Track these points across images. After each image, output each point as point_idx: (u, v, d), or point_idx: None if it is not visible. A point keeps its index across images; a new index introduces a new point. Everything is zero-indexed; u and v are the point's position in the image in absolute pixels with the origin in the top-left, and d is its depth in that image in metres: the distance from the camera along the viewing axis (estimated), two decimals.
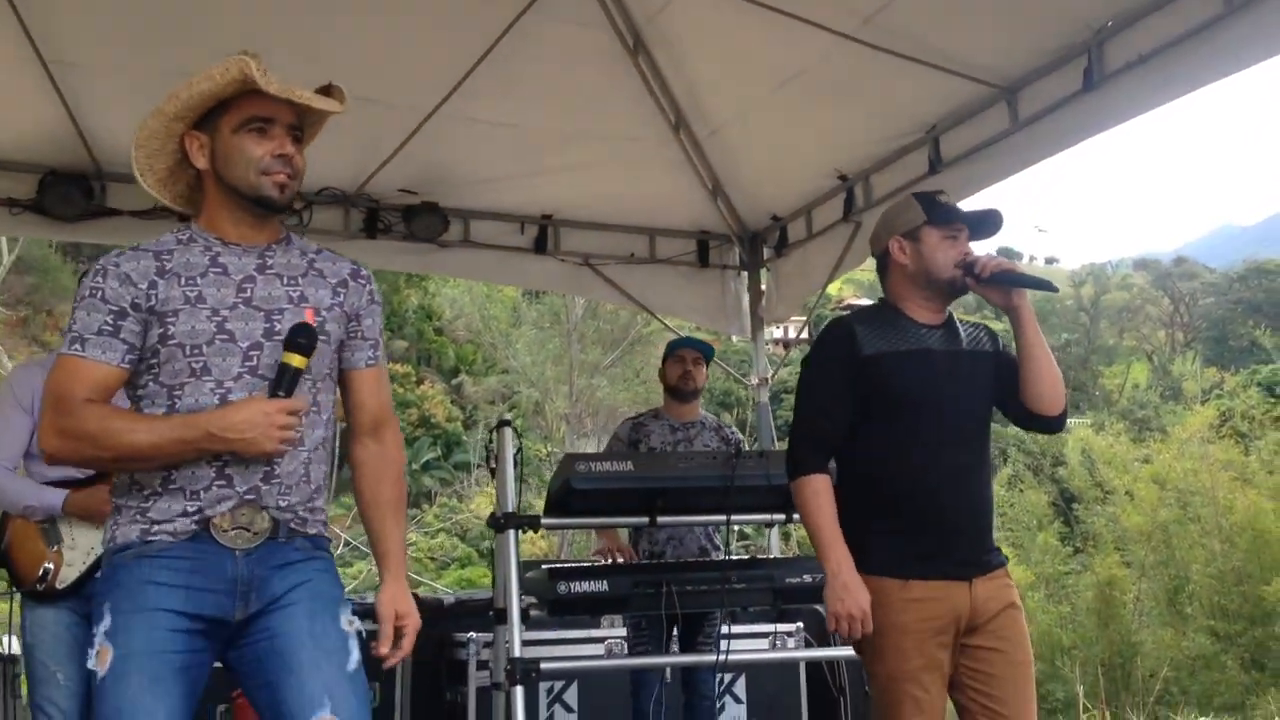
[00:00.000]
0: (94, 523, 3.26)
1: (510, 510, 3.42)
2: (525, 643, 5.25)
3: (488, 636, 5.14)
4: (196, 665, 2.07)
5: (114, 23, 4.60)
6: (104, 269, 2.13)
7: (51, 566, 3.25)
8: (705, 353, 4.65)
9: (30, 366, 3.62)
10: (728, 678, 5.79)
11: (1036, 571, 18.50)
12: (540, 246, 6.13)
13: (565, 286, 6.91)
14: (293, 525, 2.16)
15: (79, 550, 3.28)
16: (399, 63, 4.99)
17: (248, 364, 2.13)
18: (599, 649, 4.63)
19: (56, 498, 3.26)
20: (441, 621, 5.71)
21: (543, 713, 5.42)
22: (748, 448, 4.03)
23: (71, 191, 5.23)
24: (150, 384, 2.13)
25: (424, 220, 5.79)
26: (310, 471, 2.21)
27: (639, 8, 5.00)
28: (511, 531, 3.41)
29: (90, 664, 2.04)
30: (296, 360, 2.12)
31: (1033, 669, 2.72)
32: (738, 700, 5.74)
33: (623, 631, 4.72)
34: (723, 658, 3.48)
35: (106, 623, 2.04)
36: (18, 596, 3.41)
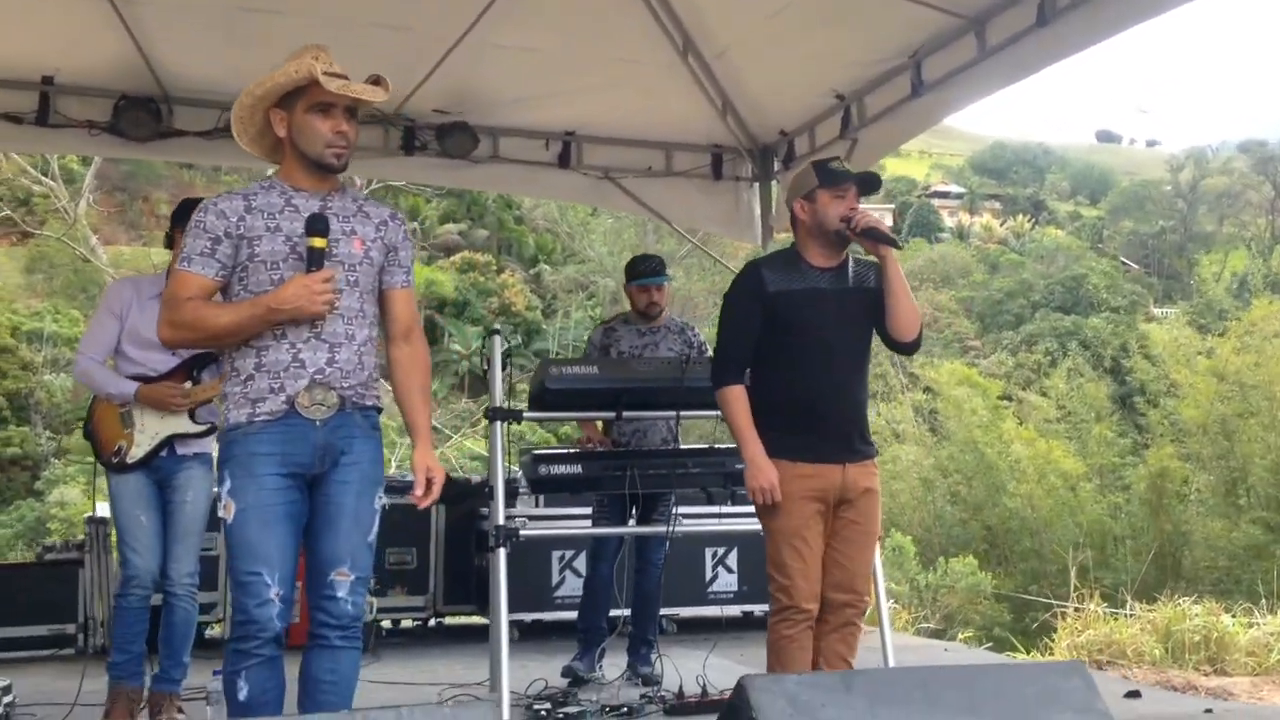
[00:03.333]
0: (159, 411, 4.02)
1: (497, 405, 4.07)
2: (533, 518, 6.03)
3: (510, 510, 5.88)
4: (296, 512, 2.82)
5: None
6: (205, 207, 2.86)
7: (125, 445, 4.03)
8: (665, 280, 5.15)
9: (125, 282, 4.38)
10: (721, 551, 6.50)
11: (1090, 463, 18.83)
12: (564, 161, 6.67)
13: (588, 199, 7.43)
14: (354, 399, 2.88)
15: (147, 434, 4.03)
16: None
17: None
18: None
19: (130, 388, 4.01)
20: (470, 498, 6.49)
21: (555, 576, 6.21)
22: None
23: (142, 115, 5.87)
24: (241, 292, 2.85)
25: (456, 138, 6.34)
26: (363, 360, 2.91)
27: None
28: (499, 423, 4.06)
29: (220, 513, 2.80)
30: (318, 242, 2.80)
31: (876, 539, 3.54)
32: (730, 570, 6.44)
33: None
34: (673, 531, 4.14)
35: (228, 485, 2.79)
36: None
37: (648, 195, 6.89)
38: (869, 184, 3.54)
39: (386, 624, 6.72)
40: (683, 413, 4.15)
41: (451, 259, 45.17)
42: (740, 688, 2.03)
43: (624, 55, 6.07)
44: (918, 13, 5.17)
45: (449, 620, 6.97)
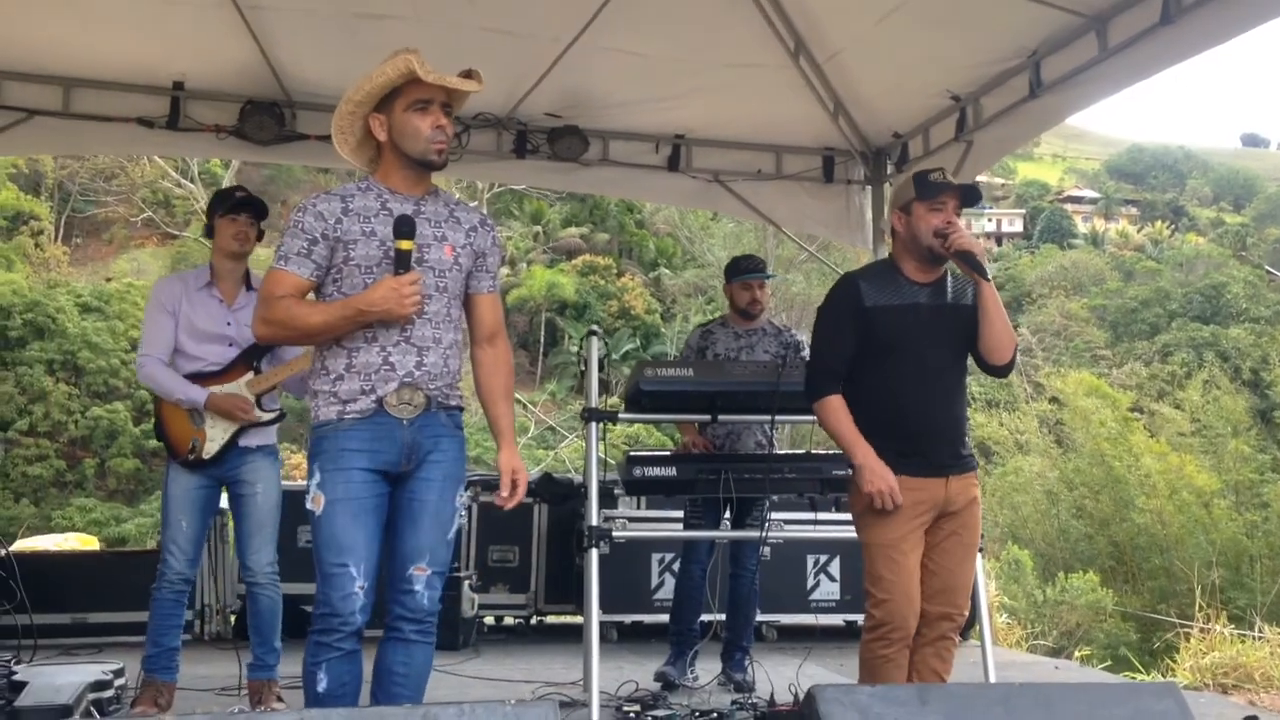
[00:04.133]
0: (227, 419, 4.05)
1: (593, 406, 4.08)
2: (634, 519, 6.04)
3: (609, 511, 5.91)
4: (383, 506, 2.88)
5: None
6: (304, 207, 2.91)
7: (199, 441, 4.06)
8: (768, 278, 5.14)
9: (172, 278, 4.36)
10: (823, 558, 6.41)
11: (1226, 479, 18.00)
12: (674, 164, 6.68)
13: (697, 202, 7.41)
14: (439, 400, 2.93)
15: (219, 428, 4.07)
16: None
17: None
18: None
19: (200, 396, 4.02)
20: (573, 498, 6.55)
21: (654, 579, 6.21)
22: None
23: (266, 119, 6.08)
24: (335, 293, 2.89)
25: (566, 141, 6.40)
26: (448, 364, 2.96)
27: None
28: (594, 424, 4.07)
29: (309, 505, 2.85)
30: (405, 244, 2.83)
31: (977, 550, 3.44)
32: (832, 579, 6.35)
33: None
34: (768, 535, 4.08)
35: (317, 479, 2.84)
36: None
37: (757, 198, 6.85)
38: (969, 196, 3.43)
39: (489, 620, 6.83)
40: (778, 417, 4.10)
41: (573, 262, 45.64)
42: (810, 698, 1.98)
43: (735, 59, 6.04)
44: (1037, 12, 5.03)
45: (550, 619, 7.04)
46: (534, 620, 6.97)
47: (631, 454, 4.28)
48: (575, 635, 6.04)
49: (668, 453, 4.78)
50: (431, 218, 2.96)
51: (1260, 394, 23.88)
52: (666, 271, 46.35)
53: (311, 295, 2.93)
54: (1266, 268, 56.99)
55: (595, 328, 4.22)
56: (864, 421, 3.37)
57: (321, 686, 2.75)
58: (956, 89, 5.92)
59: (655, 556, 6.19)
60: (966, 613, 3.40)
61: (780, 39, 5.87)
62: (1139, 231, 69.10)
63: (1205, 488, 17.25)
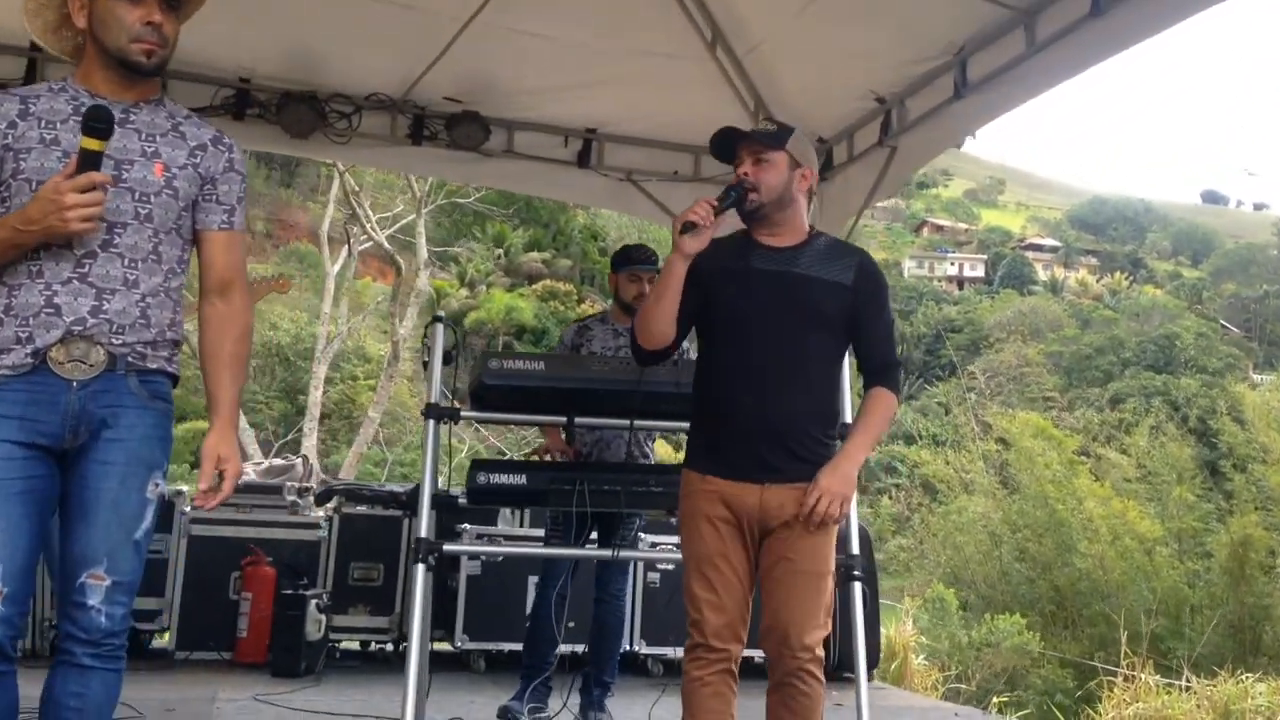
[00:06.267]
0: None
1: (433, 401, 3.59)
2: (510, 538, 5.53)
3: (481, 528, 5.41)
4: (39, 488, 2.26)
5: None
6: None
7: None
8: (657, 271, 4.68)
9: None
10: None
11: (1169, 527, 17.74)
12: (584, 160, 6.22)
13: (607, 202, 6.97)
14: (130, 359, 2.34)
15: None
16: None
17: None
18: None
19: None
20: (445, 513, 6.02)
21: (529, 604, 5.68)
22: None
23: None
24: (3, 215, 2.30)
25: (465, 129, 5.94)
26: (150, 316, 2.36)
27: None
28: (432, 422, 3.58)
29: None
30: (91, 143, 2.25)
31: (821, 580, 2.83)
32: None
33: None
34: (621, 555, 3.60)
35: None
36: None
37: (672, 202, 6.39)
38: (771, 137, 3.02)
39: (353, 645, 6.19)
40: (639, 422, 3.59)
41: (533, 287, 45.31)
42: None
43: (649, 47, 5.63)
44: (963, 5, 4.67)
45: None
46: (401, 647, 6.35)
47: (477, 460, 3.80)
48: (443, 664, 5.51)
49: (519, 459, 4.31)
50: (143, 129, 2.41)
51: (1207, 443, 23.77)
52: None
53: None
54: (1221, 321, 57.60)
55: (441, 313, 3.75)
56: (692, 405, 3.02)
57: None
58: (881, 90, 5.53)
59: (532, 579, 5.65)
60: (807, 655, 2.77)
61: (696, 27, 5.48)
62: (1098, 281, 69.79)
63: (1148, 534, 17.01)
